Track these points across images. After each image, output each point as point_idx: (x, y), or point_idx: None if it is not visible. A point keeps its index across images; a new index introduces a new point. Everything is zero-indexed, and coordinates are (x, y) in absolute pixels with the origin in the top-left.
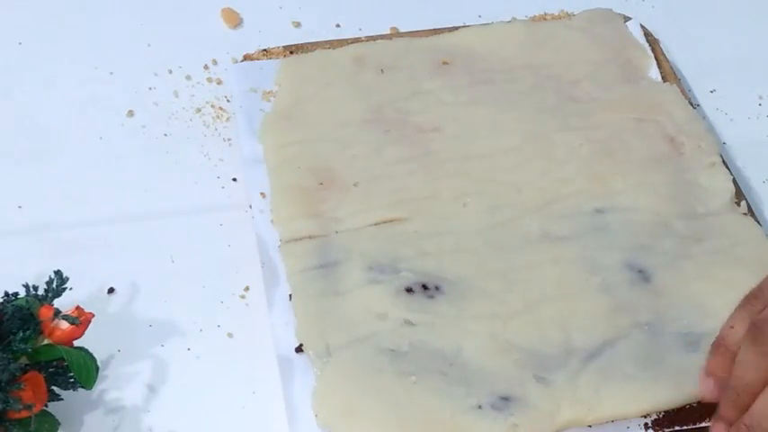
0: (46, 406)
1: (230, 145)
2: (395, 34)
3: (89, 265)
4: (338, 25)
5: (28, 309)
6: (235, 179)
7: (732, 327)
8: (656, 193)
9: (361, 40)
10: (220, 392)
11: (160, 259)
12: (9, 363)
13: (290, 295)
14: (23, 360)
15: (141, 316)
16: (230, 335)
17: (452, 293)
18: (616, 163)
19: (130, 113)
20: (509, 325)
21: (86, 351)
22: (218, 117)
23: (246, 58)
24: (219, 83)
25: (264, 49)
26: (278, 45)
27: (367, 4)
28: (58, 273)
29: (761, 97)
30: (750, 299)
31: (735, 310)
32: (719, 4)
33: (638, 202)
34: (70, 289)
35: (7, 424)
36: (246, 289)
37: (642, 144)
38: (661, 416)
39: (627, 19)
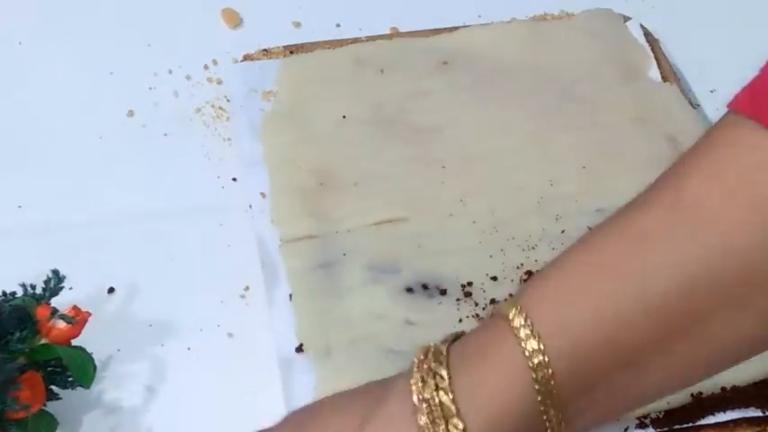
0: (44, 405)
1: (230, 145)
2: (395, 34)
3: (89, 265)
4: (338, 25)
5: (25, 308)
6: (235, 179)
7: None
8: None
9: (361, 40)
10: (220, 392)
11: (160, 259)
12: (6, 363)
13: (290, 295)
14: (21, 360)
15: (141, 316)
16: (230, 335)
17: (452, 293)
18: (616, 163)
19: (130, 113)
20: None
21: (84, 350)
22: (218, 117)
23: (246, 58)
24: (219, 83)
25: (264, 49)
26: (278, 45)
27: (367, 4)
28: (55, 272)
29: None
30: None
31: None
32: (719, 4)
33: None
34: (70, 288)
35: (5, 424)
36: (246, 289)
37: (642, 144)
38: (661, 416)
39: (627, 19)
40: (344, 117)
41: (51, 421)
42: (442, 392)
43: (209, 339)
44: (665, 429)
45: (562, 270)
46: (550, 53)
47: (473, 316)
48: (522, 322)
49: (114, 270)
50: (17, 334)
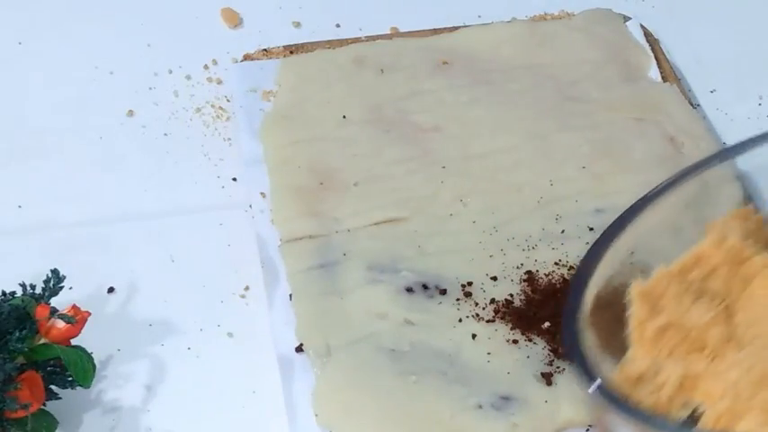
0: (44, 405)
1: (230, 145)
2: (395, 34)
3: (89, 265)
4: (338, 25)
5: (24, 308)
6: (235, 179)
7: None
8: None
9: (361, 40)
10: (220, 392)
11: (160, 259)
12: (5, 362)
13: (290, 295)
14: (20, 359)
15: (141, 315)
16: (230, 334)
17: (453, 293)
18: (616, 163)
19: (130, 113)
20: (510, 324)
21: (83, 350)
22: (218, 117)
23: (246, 58)
24: (219, 83)
25: (264, 49)
26: (278, 45)
27: (367, 4)
28: (54, 271)
29: (761, 97)
30: None
31: None
32: (719, 4)
33: None
34: (70, 288)
35: (5, 423)
36: (246, 289)
37: (642, 144)
38: None
39: (627, 19)
40: (344, 117)
41: (51, 421)
42: None
43: (209, 339)
44: None
45: None
46: (550, 53)
47: (473, 316)
48: None
49: (114, 270)
50: (16, 333)
